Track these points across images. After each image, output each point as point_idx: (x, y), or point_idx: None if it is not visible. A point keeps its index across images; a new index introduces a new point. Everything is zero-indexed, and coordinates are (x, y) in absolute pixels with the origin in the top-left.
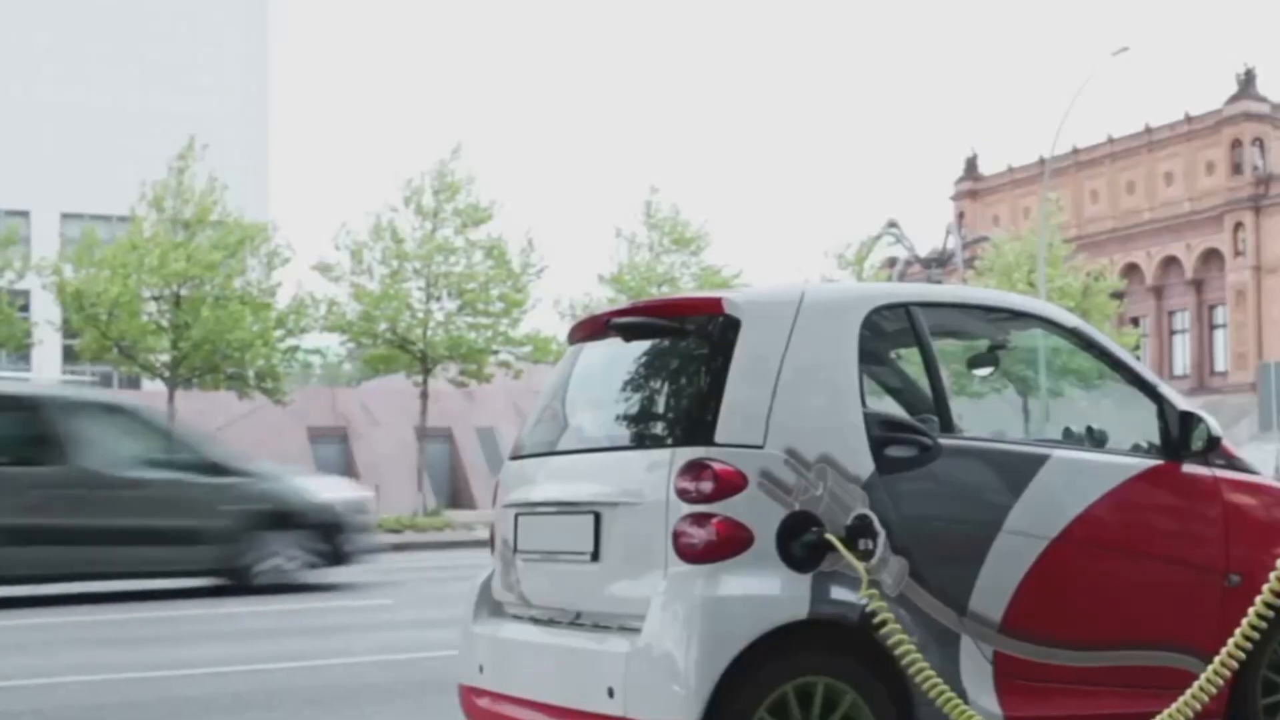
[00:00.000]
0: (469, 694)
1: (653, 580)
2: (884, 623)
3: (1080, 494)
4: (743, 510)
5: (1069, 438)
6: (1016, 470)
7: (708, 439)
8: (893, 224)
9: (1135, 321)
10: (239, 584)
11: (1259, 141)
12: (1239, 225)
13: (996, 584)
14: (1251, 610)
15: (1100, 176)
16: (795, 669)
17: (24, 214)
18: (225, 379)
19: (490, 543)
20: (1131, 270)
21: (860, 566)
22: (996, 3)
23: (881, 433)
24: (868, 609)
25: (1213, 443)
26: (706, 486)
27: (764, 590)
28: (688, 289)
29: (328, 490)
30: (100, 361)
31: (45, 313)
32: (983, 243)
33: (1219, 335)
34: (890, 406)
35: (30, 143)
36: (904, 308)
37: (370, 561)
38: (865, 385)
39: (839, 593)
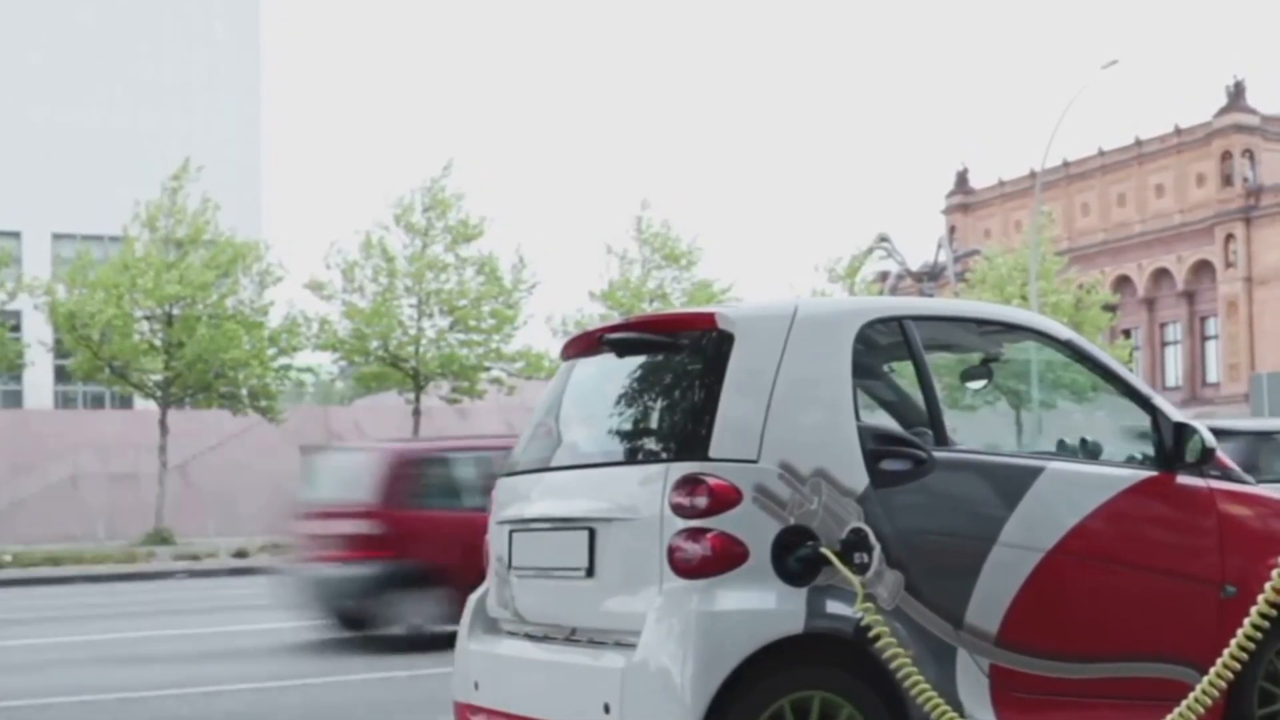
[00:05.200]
0: (464, 711)
1: (648, 595)
2: (879, 636)
3: (1075, 506)
4: (737, 525)
5: (1063, 450)
6: (1011, 483)
7: (702, 454)
8: (884, 238)
9: (1127, 334)
10: None
11: (1249, 153)
12: (1230, 237)
13: (992, 597)
14: (1247, 621)
15: (1091, 189)
16: (791, 683)
17: (15, 235)
18: (218, 398)
19: (484, 559)
20: (1123, 282)
21: (855, 580)
22: (986, 17)
23: (876, 446)
24: (863, 623)
25: (1207, 454)
26: (701, 501)
27: (759, 605)
28: (679, 304)
29: None
30: (93, 381)
31: (37, 333)
32: (974, 256)
33: (1211, 347)
34: (884, 420)
35: (22, 163)
36: (897, 321)
37: None
38: (859, 399)
39: (834, 607)
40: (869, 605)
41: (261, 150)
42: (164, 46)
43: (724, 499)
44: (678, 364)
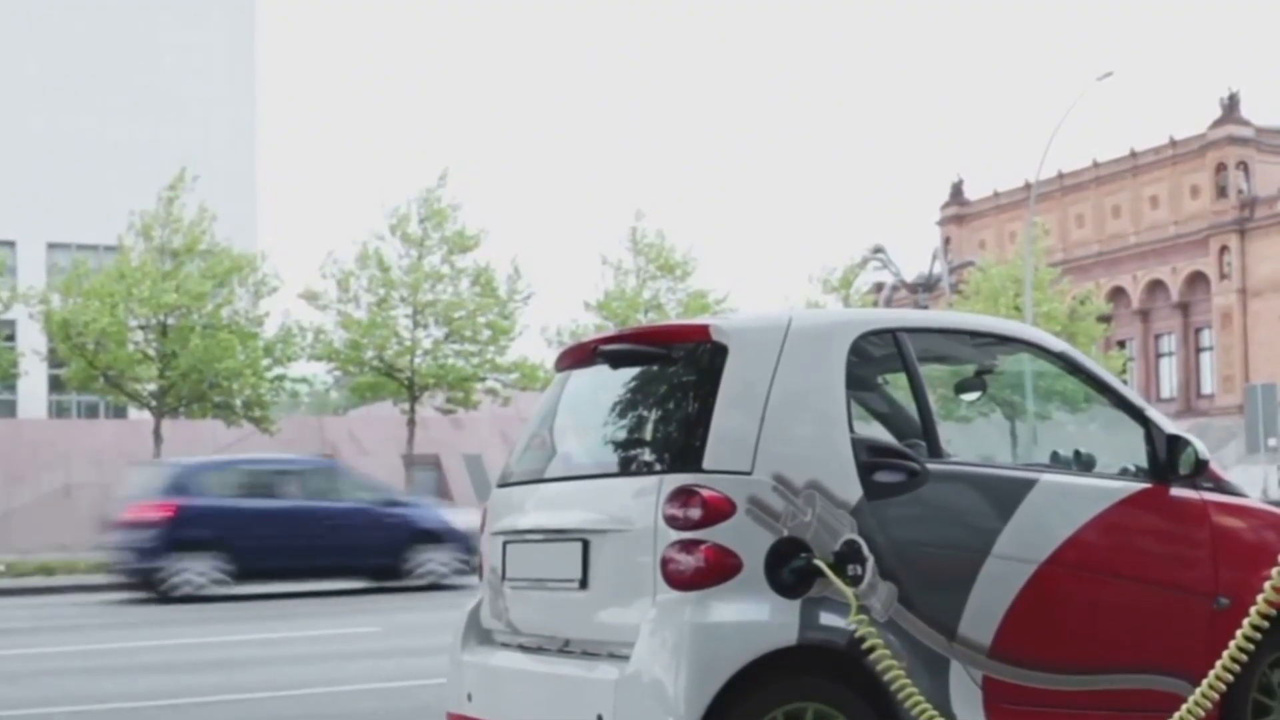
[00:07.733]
0: None
1: (641, 607)
2: (873, 648)
3: (1068, 518)
4: (731, 537)
5: (1056, 462)
6: (1005, 495)
7: (696, 465)
8: (879, 249)
9: (1122, 345)
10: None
11: (1243, 165)
12: (1224, 248)
13: (985, 609)
14: (1239, 633)
15: (1085, 201)
16: (784, 695)
17: (10, 244)
18: (212, 408)
19: (478, 570)
20: (1117, 294)
21: (849, 592)
22: (981, 29)
23: (869, 458)
24: (856, 634)
25: (1200, 466)
26: (695, 513)
27: (753, 616)
28: (674, 315)
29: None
30: (87, 391)
31: (31, 342)
32: (969, 267)
33: (1205, 358)
34: (878, 432)
35: (16, 172)
36: (891, 333)
37: None
38: (853, 411)
39: (828, 618)
40: (862, 617)
41: (257, 160)
42: (160, 56)
43: (717, 510)
44: (672, 375)
